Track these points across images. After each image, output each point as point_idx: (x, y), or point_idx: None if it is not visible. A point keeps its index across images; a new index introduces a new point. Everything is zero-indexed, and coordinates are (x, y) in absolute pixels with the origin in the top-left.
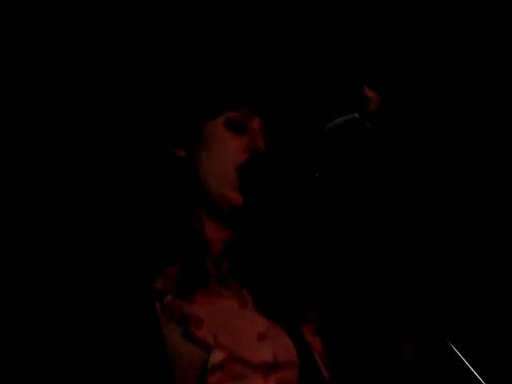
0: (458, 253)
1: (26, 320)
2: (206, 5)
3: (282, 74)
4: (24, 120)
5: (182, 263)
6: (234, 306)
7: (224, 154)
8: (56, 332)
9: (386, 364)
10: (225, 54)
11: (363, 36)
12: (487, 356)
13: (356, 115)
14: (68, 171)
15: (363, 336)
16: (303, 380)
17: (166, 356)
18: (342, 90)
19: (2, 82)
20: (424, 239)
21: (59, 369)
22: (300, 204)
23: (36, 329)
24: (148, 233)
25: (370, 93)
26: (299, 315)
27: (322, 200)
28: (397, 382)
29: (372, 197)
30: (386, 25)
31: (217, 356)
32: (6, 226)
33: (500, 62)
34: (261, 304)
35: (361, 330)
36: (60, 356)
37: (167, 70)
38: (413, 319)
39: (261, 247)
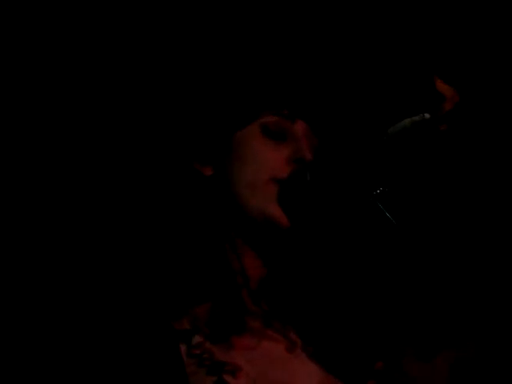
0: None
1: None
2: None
3: (330, 65)
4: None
5: (214, 300)
6: (280, 350)
7: (262, 167)
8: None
9: None
10: (257, 44)
11: (435, 18)
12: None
13: (426, 116)
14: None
15: None
16: None
17: None
18: (409, 85)
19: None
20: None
21: None
22: (356, 228)
23: None
24: (172, 266)
25: (443, 88)
26: (361, 365)
27: (384, 223)
28: None
29: (443, 219)
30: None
31: None
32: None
33: None
34: (313, 349)
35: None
36: None
37: (185, 70)
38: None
39: (310, 279)
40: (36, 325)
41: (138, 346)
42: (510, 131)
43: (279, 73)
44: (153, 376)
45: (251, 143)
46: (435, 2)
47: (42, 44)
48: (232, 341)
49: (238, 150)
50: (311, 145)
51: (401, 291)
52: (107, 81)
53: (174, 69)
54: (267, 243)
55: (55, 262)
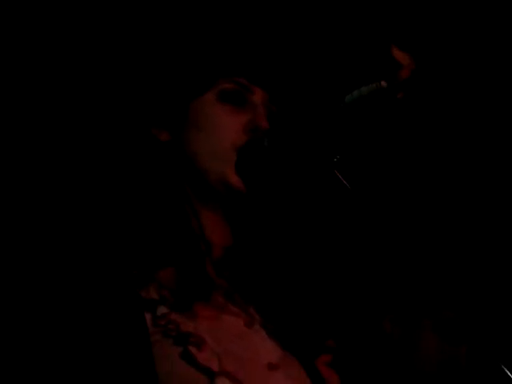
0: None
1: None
2: None
3: (287, 32)
4: None
5: (178, 267)
6: (240, 325)
7: (220, 133)
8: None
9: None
10: (212, 13)
11: None
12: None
13: (383, 84)
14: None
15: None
16: None
17: (156, 381)
18: (365, 52)
19: None
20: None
21: None
22: (314, 195)
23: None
24: (135, 232)
25: (400, 55)
26: (316, 343)
27: (341, 191)
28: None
29: (400, 186)
30: None
31: None
32: None
33: None
34: (270, 326)
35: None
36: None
37: (143, 37)
38: (433, 303)
39: (269, 252)
40: None
41: (102, 314)
42: (466, 98)
43: (237, 40)
44: (117, 344)
45: (208, 110)
46: None
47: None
48: (196, 311)
49: (194, 117)
50: (269, 113)
51: (361, 261)
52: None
53: (132, 35)
54: (226, 209)
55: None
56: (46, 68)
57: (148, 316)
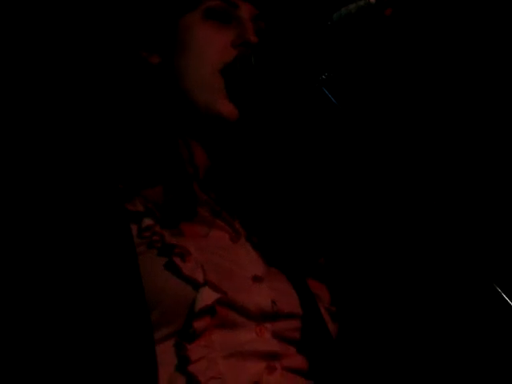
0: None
1: None
2: None
3: None
4: None
5: (166, 186)
6: (226, 239)
7: (207, 52)
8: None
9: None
10: None
11: None
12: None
13: (371, 0)
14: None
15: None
16: (305, 336)
17: (142, 292)
18: None
19: None
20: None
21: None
22: (302, 114)
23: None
24: (124, 150)
25: None
26: (304, 259)
27: (329, 109)
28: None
29: (390, 104)
30: None
31: (207, 296)
32: None
33: None
34: (256, 241)
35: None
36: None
37: None
38: None
39: (255, 170)
40: None
41: (89, 225)
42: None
43: None
44: (103, 254)
45: (195, 28)
46: None
47: None
48: (182, 227)
49: (182, 37)
50: (256, 28)
51: (346, 186)
52: None
53: None
54: (215, 134)
55: None
56: None
57: (133, 228)
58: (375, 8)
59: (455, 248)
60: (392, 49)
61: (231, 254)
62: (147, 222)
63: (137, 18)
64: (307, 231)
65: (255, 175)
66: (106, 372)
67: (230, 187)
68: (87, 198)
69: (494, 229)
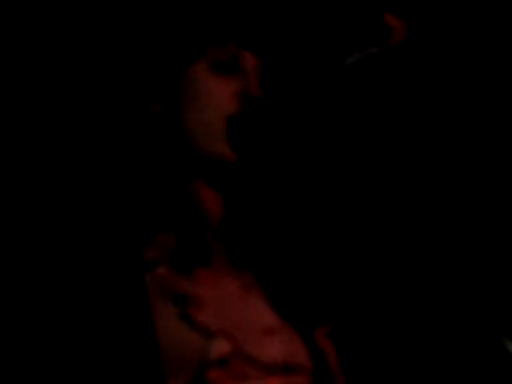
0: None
1: None
2: None
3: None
4: None
5: (178, 233)
6: (239, 290)
7: (212, 103)
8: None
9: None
10: None
11: None
12: None
13: (376, 49)
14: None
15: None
16: None
17: (156, 342)
18: (358, 19)
19: None
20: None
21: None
22: (311, 164)
23: None
24: (138, 200)
25: (393, 21)
26: (313, 313)
27: (339, 159)
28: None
29: (401, 155)
30: None
31: (221, 347)
32: None
33: None
34: (268, 293)
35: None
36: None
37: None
38: None
39: (268, 217)
40: None
41: (103, 275)
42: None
43: (226, 6)
44: (116, 304)
45: (200, 79)
46: None
47: None
48: (195, 275)
49: (187, 87)
50: (261, 79)
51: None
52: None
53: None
54: (224, 179)
55: None
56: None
57: (148, 277)
58: (380, 57)
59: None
60: (399, 97)
61: (244, 304)
62: (161, 270)
63: (141, 67)
64: (318, 285)
65: (266, 225)
66: None
67: (243, 237)
68: (102, 248)
69: (494, 230)
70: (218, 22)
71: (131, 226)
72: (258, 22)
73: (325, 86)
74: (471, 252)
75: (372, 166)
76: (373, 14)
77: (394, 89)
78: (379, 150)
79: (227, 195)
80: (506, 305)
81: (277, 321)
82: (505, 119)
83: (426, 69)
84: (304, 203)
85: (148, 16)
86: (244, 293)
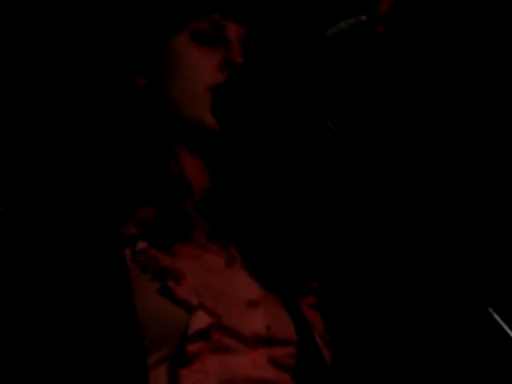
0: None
1: None
2: None
3: None
4: None
5: (158, 206)
6: (220, 263)
7: (194, 74)
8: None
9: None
10: None
11: None
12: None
13: (362, 18)
14: None
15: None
16: (300, 363)
17: (135, 317)
18: None
19: None
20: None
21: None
22: (296, 132)
23: None
24: (116, 172)
25: None
26: (298, 284)
27: (322, 127)
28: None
29: (383, 123)
30: None
31: (201, 320)
32: None
33: None
34: (251, 265)
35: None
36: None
37: None
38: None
39: (249, 192)
40: None
41: (82, 250)
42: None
43: None
44: (96, 280)
45: (182, 51)
46: None
47: None
48: (176, 249)
49: (170, 59)
50: (244, 49)
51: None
52: None
53: None
54: (205, 150)
55: None
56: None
57: (127, 252)
58: (366, 25)
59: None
60: (384, 66)
61: (226, 277)
62: (141, 245)
63: (123, 40)
64: (302, 255)
65: (248, 196)
66: None
67: (224, 209)
68: (80, 222)
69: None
70: None
71: (110, 201)
72: None
73: (312, 52)
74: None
75: (355, 128)
76: None
77: (379, 58)
78: (364, 115)
79: (211, 166)
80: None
81: (261, 293)
82: (487, 91)
83: (409, 37)
84: (288, 172)
85: None
86: (226, 266)
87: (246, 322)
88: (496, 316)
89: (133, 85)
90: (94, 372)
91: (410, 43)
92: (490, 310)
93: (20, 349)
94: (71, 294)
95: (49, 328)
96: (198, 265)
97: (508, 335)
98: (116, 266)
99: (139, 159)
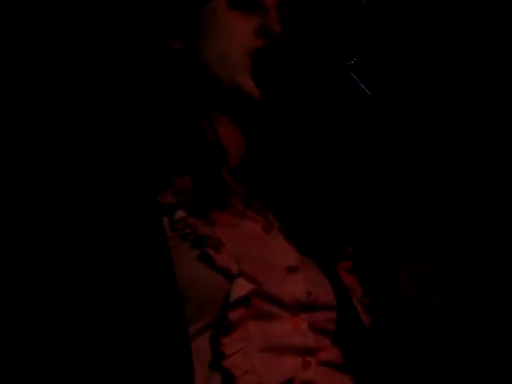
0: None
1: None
2: None
3: None
4: None
5: (195, 175)
6: (258, 230)
7: (230, 39)
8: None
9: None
10: None
11: None
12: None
13: None
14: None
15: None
16: (340, 328)
17: (176, 286)
18: None
19: None
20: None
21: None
22: (330, 100)
23: None
24: (153, 140)
25: None
26: (335, 249)
27: (358, 94)
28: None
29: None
30: None
31: (242, 287)
32: None
33: None
34: (288, 231)
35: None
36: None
37: None
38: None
39: (285, 158)
40: None
41: (121, 219)
42: None
43: None
44: (136, 249)
45: (218, 16)
46: None
47: None
48: (214, 217)
49: (205, 24)
50: (281, 16)
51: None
52: None
53: None
54: (241, 116)
55: None
56: None
57: (166, 220)
58: None
59: None
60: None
61: (264, 244)
62: (179, 214)
63: (158, 5)
64: (338, 219)
65: (284, 162)
66: (141, 370)
67: (261, 175)
68: (119, 193)
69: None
70: None
71: (147, 170)
72: None
73: (348, 20)
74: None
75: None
76: None
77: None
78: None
79: (247, 132)
80: None
81: (299, 258)
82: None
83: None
84: (324, 141)
85: None
86: (264, 232)
87: (286, 287)
88: None
89: (168, 49)
90: (137, 344)
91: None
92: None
93: (60, 320)
94: (111, 264)
95: (91, 298)
96: (236, 232)
97: None
98: (155, 236)
99: (175, 127)
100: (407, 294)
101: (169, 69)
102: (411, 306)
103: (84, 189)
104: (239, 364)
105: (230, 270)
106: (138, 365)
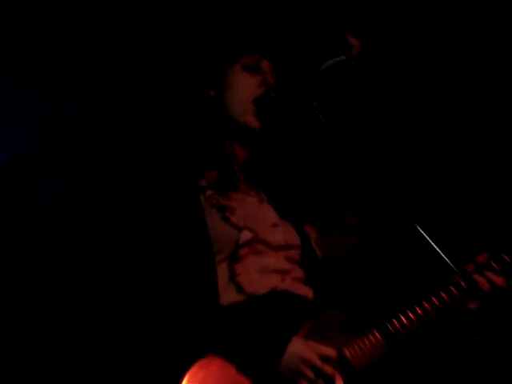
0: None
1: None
2: None
3: (285, 28)
4: None
5: (219, 170)
6: (256, 202)
7: (244, 90)
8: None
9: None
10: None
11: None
12: None
13: (343, 57)
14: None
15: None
16: (303, 258)
17: (207, 235)
18: (332, 40)
19: None
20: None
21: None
22: (303, 124)
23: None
24: (196, 151)
25: (353, 40)
26: (302, 214)
27: (319, 122)
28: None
29: (359, 120)
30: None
31: (246, 235)
32: None
33: None
34: (274, 203)
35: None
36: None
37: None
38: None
39: (273, 160)
40: None
41: (177, 195)
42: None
43: (254, 32)
44: (184, 211)
45: (236, 75)
46: None
47: None
48: (230, 195)
49: (228, 80)
50: (273, 75)
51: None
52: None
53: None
54: (247, 137)
55: None
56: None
57: (201, 196)
58: (345, 62)
59: None
60: (357, 85)
61: (259, 210)
62: (209, 192)
63: (201, 67)
64: (304, 198)
65: (273, 165)
66: (182, 285)
67: (258, 172)
68: (177, 180)
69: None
70: (247, 41)
71: (192, 167)
72: (271, 42)
73: (313, 79)
74: None
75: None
76: (342, 37)
77: (354, 80)
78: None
79: (250, 148)
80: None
81: (280, 219)
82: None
83: (377, 71)
84: (299, 153)
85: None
86: (259, 203)
87: (272, 236)
88: None
89: (206, 95)
90: (181, 269)
91: (372, 73)
92: None
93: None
94: (169, 221)
95: (149, 237)
96: (243, 203)
97: None
98: (195, 203)
99: (210, 144)
100: (338, 241)
101: (207, 108)
102: (341, 248)
103: (154, 178)
104: (245, 280)
105: (239, 225)
106: (178, 280)
